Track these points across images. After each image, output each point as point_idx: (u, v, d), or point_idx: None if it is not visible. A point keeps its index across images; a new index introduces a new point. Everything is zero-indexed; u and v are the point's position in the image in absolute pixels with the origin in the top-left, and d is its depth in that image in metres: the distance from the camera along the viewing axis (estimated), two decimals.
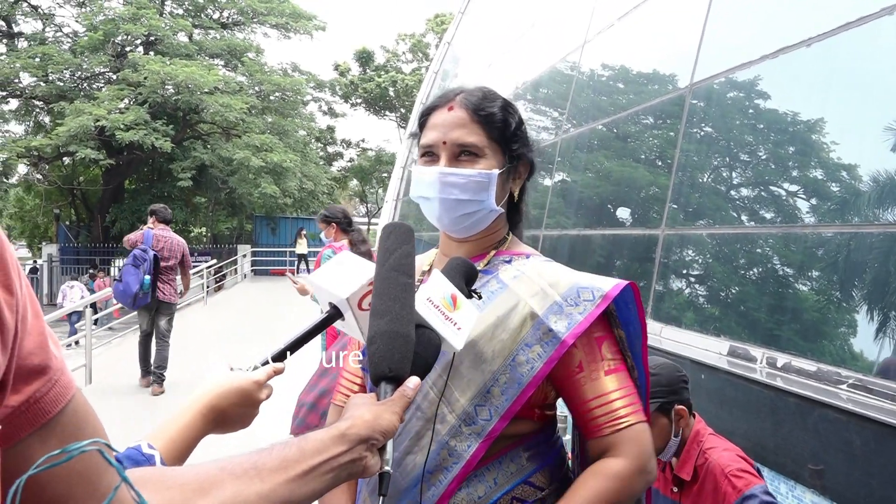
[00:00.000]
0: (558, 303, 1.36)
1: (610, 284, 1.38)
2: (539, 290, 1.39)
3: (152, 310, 7.61)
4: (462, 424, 1.34)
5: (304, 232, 24.61)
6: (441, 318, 1.13)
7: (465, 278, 1.28)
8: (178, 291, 7.76)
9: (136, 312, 8.05)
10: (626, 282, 1.38)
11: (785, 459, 3.04)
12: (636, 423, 1.33)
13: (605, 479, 1.28)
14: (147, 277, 7.19)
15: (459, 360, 1.35)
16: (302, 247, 23.91)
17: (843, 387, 2.91)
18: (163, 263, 7.48)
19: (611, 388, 1.34)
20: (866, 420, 2.62)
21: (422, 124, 1.49)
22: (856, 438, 2.65)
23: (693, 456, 2.26)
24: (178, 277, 7.98)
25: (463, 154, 1.41)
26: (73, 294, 17.90)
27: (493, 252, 1.49)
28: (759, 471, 2.24)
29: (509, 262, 1.48)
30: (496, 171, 1.41)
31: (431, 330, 1.10)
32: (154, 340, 7.75)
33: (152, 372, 7.66)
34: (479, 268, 1.44)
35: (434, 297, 1.14)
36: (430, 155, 1.44)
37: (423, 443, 1.35)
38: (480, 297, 1.40)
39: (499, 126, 1.43)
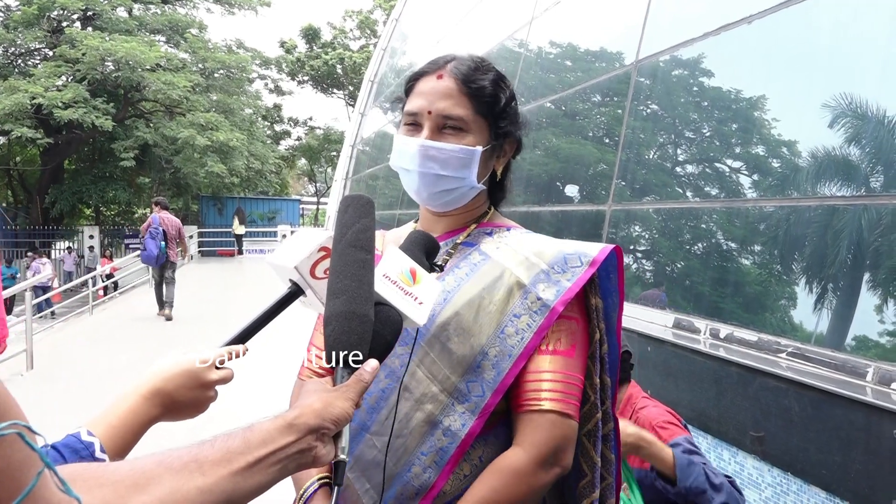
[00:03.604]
0: (545, 270, 1.32)
1: (596, 249, 1.34)
2: (524, 259, 1.35)
3: (163, 266, 10.74)
4: (455, 402, 1.28)
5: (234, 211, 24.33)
6: (400, 293, 1.09)
7: (426, 251, 1.24)
8: (178, 253, 11.18)
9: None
10: (611, 246, 1.35)
11: (727, 427, 3.13)
12: (550, 412, 1.25)
13: (502, 475, 1.23)
14: (163, 244, 10.50)
15: (446, 336, 1.29)
16: (239, 227, 23.61)
17: (783, 355, 3.00)
18: (169, 236, 10.67)
19: (546, 367, 1.28)
20: (804, 387, 2.71)
21: (408, 90, 1.42)
22: (794, 405, 2.74)
23: (626, 417, 2.33)
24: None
25: (447, 126, 1.34)
26: (46, 271, 17.56)
27: (473, 225, 1.45)
28: (686, 427, 2.33)
29: (490, 234, 1.44)
30: (480, 148, 1.35)
31: (390, 307, 1.06)
32: (164, 285, 10.94)
33: (165, 303, 10.89)
34: (459, 240, 1.42)
35: (391, 273, 1.10)
36: (413, 124, 1.38)
37: (413, 425, 1.29)
38: (442, 269, 1.37)
39: (488, 101, 1.36)
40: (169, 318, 10.76)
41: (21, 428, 0.55)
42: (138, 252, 11.79)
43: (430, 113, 1.34)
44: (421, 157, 1.34)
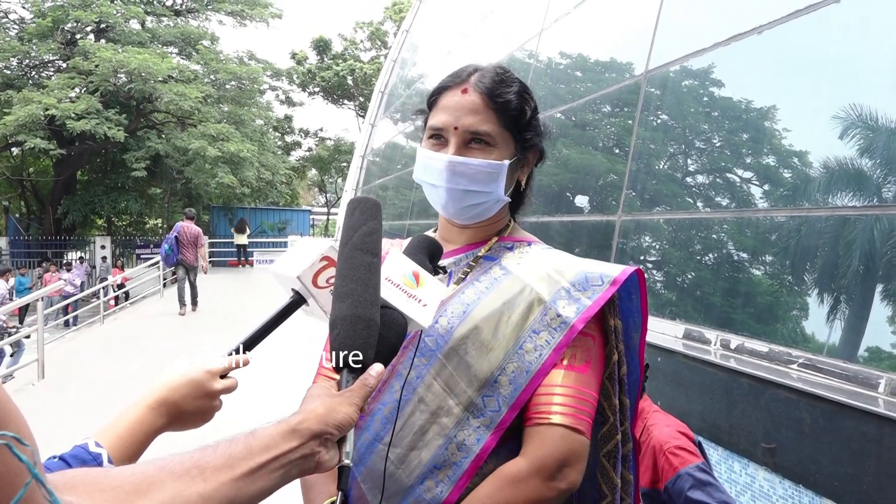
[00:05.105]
0: (566, 288, 1.31)
1: (618, 270, 1.33)
2: (545, 276, 1.34)
3: (184, 268, 12.59)
4: (469, 416, 1.27)
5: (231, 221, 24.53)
6: (403, 296, 1.08)
7: (429, 255, 1.25)
8: (198, 259, 12.85)
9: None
10: (634, 267, 1.34)
11: (738, 439, 3.11)
12: (559, 426, 1.23)
13: (500, 481, 1.21)
14: (167, 247, 12.26)
15: (465, 349, 1.28)
16: (240, 237, 23.70)
17: (794, 367, 2.98)
18: (184, 241, 12.42)
19: (558, 381, 1.26)
20: (816, 398, 2.69)
21: (431, 103, 1.41)
22: (806, 416, 2.72)
23: (637, 432, 2.31)
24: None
25: (474, 142, 1.33)
26: (74, 280, 18.15)
27: (495, 238, 1.44)
28: (700, 444, 2.30)
29: (511, 248, 1.44)
30: (507, 162, 1.35)
31: (394, 310, 1.06)
32: (188, 285, 12.78)
33: (187, 302, 12.72)
34: (480, 253, 1.42)
35: (393, 277, 1.10)
36: (438, 138, 1.37)
37: (428, 438, 1.28)
38: (447, 273, 1.37)
39: (514, 115, 1.36)
40: (182, 314, 12.52)
41: (9, 439, 0.54)
42: (149, 262, 14.05)
43: (456, 129, 1.33)
44: (449, 172, 1.34)
